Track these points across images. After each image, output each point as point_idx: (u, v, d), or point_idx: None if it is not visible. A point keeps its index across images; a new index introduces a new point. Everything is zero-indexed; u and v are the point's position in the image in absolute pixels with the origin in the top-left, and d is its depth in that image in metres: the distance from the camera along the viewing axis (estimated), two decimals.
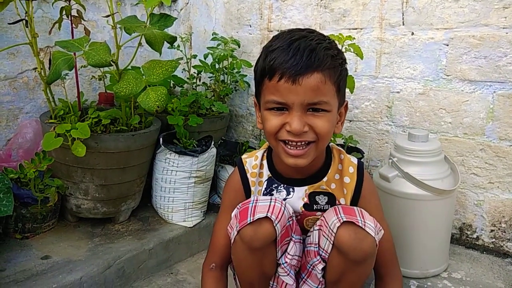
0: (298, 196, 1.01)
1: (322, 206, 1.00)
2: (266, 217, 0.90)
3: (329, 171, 1.01)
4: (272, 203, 0.93)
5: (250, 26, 1.89)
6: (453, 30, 1.44)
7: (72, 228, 1.46)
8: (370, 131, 1.65)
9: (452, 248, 1.45)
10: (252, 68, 1.82)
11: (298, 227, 1.01)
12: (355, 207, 0.97)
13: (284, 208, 0.94)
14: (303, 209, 1.01)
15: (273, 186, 1.02)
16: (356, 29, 1.61)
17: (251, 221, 0.90)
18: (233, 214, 0.97)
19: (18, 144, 1.51)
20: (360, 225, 0.90)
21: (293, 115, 0.88)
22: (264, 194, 1.02)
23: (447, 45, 1.45)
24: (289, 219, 0.96)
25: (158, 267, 1.42)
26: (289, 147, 0.92)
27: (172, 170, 1.51)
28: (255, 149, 1.73)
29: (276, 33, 0.97)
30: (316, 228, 0.99)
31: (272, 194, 1.01)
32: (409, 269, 1.29)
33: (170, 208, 1.54)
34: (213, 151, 1.57)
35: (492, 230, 1.46)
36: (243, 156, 1.08)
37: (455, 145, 1.48)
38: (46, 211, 1.37)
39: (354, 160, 1.04)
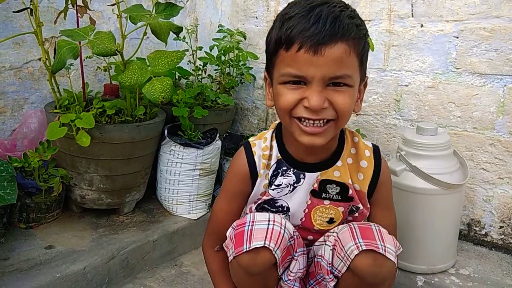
0: (309, 183, 0.95)
1: (331, 196, 0.95)
2: (264, 246, 0.84)
3: (342, 154, 0.95)
4: (270, 227, 0.86)
5: (257, 18, 1.87)
6: (463, 22, 1.41)
7: (77, 219, 1.45)
8: (377, 125, 1.63)
9: (460, 244, 1.42)
10: (259, 60, 1.83)
11: (301, 240, 0.96)
12: (372, 225, 0.91)
13: (284, 231, 0.87)
14: (310, 195, 0.96)
15: (282, 169, 0.95)
16: (364, 20, 1.58)
17: (247, 249, 0.84)
18: (227, 233, 0.91)
19: (22, 134, 1.51)
20: (381, 251, 0.84)
21: (313, 89, 0.80)
22: (271, 177, 0.96)
23: (457, 37, 1.42)
24: (290, 239, 0.91)
25: (162, 258, 1.42)
26: (305, 124, 0.83)
27: (176, 162, 1.50)
28: None
29: None
30: (330, 245, 0.93)
31: (280, 179, 0.95)
32: (416, 265, 1.27)
33: (174, 200, 1.53)
34: (218, 143, 1.56)
35: (501, 227, 1.43)
36: (251, 139, 1.00)
37: (464, 139, 1.45)
38: (50, 201, 1.37)
39: (369, 144, 0.98)
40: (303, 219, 0.99)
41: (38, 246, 1.27)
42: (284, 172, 0.96)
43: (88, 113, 1.31)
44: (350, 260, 0.86)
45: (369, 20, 1.58)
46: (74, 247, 1.27)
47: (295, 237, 0.93)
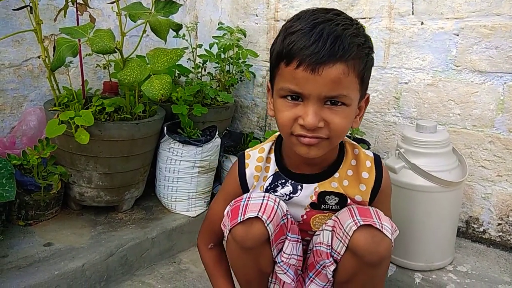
0: (306, 195, 0.96)
1: (331, 207, 0.96)
2: (257, 217, 0.86)
3: (341, 166, 0.96)
4: (265, 201, 0.89)
5: (257, 16, 1.86)
6: (463, 20, 1.40)
7: (75, 216, 1.46)
8: (377, 122, 1.63)
9: (458, 242, 1.42)
10: (258, 58, 1.83)
11: (295, 226, 0.97)
12: (370, 207, 0.93)
13: (277, 207, 0.90)
14: (309, 208, 0.97)
15: (279, 182, 0.97)
16: (364, 18, 1.58)
17: (241, 220, 0.87)
18: (225, 211, 0.94)
19: (22, 132, 1.51)
20: (378, 227, 0.86)
21: (309, 107, 0.81)
22: (267, 190, 0.97)
23: (457, 35, 1.42)
24: (283, 218, 0.92)
25: (161, 256, 1.42)
26: (302, 138, 0.85)
27: (176, 160, 1.50)
28: (259, 140, 1.71)
29: (283, 22, 0.91)
30: (329, 229, 0.94)
31: (277, 191, 0.96)
32: (414, 262, 1.27)
33: (173, 197, 1.53)
34: (217, 141, 1.56)
35: (499, 224, 1.43)
36: (247, 150, 1.02)
37: (463, 137, 1.45)
38: (49, 199, 1.37)
39: (370, 154, 0.98)
40: (301, 222, 0.99)
41: (37, 243, 1.27)
42: (283, 185, 0.97)
43: (87, 110, 1.31)
44: (349, 238, 0.87)
45: (370, 18, 1.58)
46: (73, 244, 1.28)
47: (288, 216, 0.94)
